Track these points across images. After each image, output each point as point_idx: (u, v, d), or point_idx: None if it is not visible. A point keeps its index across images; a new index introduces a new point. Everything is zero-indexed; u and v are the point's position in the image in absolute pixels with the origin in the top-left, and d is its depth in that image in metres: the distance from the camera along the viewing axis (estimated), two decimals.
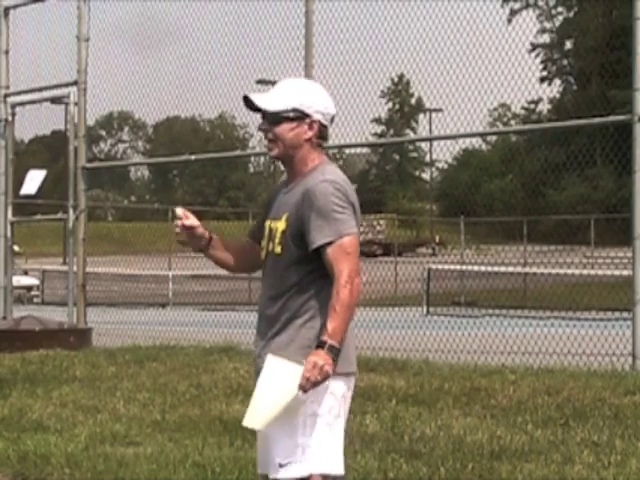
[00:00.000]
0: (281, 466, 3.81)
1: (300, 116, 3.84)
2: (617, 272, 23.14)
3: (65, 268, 18.48)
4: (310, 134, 3.87)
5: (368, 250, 46.51)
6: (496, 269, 26.84)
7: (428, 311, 22.17)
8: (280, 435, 3.82)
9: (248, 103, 3.90)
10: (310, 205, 3.77)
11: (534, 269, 27.85)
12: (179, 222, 4.01)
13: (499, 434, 6.82)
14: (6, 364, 10.77)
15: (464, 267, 28.11)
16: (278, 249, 3.86)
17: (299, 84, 3.94)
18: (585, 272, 25.70)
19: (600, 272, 25.49)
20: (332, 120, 3.95)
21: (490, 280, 24.49)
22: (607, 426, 7.01)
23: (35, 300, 31.41)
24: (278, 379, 3.73)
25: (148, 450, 6.72)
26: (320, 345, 3.68)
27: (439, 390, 8.42)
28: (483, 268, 26.38)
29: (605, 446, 6.47)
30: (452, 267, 28.25)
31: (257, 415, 3.79)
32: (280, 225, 3.86)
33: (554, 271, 26.06)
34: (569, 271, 25.70)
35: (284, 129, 3.85)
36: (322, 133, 3.90)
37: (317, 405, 3.82)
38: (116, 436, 7.18)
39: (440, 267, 27.67)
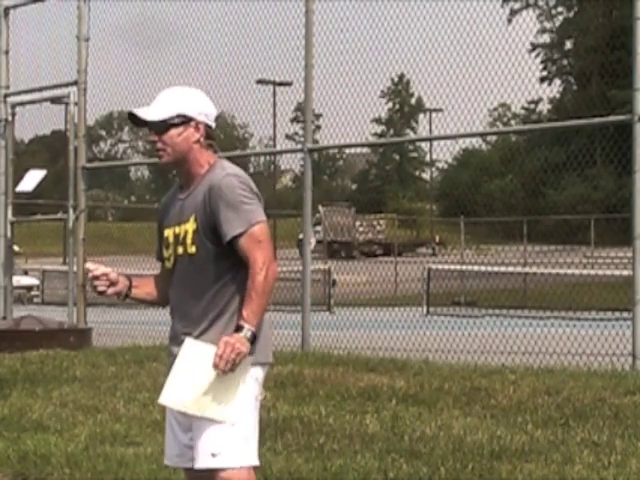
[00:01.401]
0: (214, 455, 3.91)
1: (185, 120, 4.01)
2: (617, 272, 23.13)
3: (65, 268, 18.49)
4: (197, 136, 4.02)
5: (368, 250, 46.57)
6: (496, 269, 26.83)
7: (428, 311, 22.17)
8: (208, 424, 3.91)
9: (134, 119, 4.05)
10: (218, 199, 3.90)
11: (534, 269, 27.84)
12: (90, 275, 4.07)
13: (499, 434, 6.81)
14: (6, 364, 10.76)
15: (464, 267, 28.10)
16: (192, 249, 3.97)
17: (178, 91, 4.10)
18: (585, 272, 25.69)
19: (600, 272, 25.48)
20: (216, 120, 4.10)
21: (490, 280, 24.49)
22: (607, 426, 7.00)
23: (35, 300, 31.41)
24: (194, 360, 3.90)
25: (148, 450, 6.72)
26: (236, 329, 3.84)
27: (439, 390, 8.42)
28: (483, 268, 26.37)
29: (605, 446, 6.47)
30: (452, 267, 28.24)
31: (173, 394, 3.92)
32: (189, 226, 3.98)
33: (554, 271, 26.05)
34: (569, 271, 25.69)
35: (172, 135, 4.00)
36: (209, 134, 4.05)
37: (247, 393, 3.95)
38: (116, 436, 7.18)
39: (440, 267, 27.66)
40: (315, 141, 13.54)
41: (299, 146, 13.06)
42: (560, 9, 53.97)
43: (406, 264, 30.72)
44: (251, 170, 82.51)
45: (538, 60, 52.69)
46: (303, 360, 10.08)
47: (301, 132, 16.67)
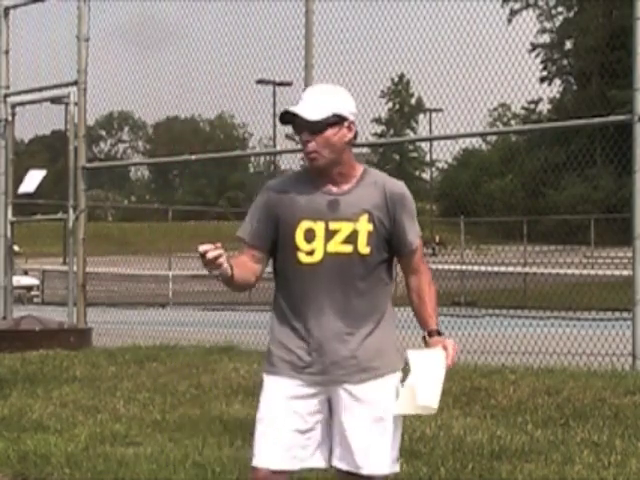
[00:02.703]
0: (394, 462, 3.96)
1: (339, 120, 3.92)
2: (617, 272, 23.14)
3: (65, 268, 18.47)
4: (350, 136, 3.97)
5: None
6: (496, 269, 26.84)
7: None
8: (388, 430, 3.94)
9: (285, 118, 3.92)
10: (402, 208, 3.96)
11: (534, 269, 27.85)
12: (209, 255, 3.76)
13: (499, 434, 6.82)
14: (6, 364, 10.77)
15: (464, 267, 28.10)
16: (366, 250, 3.93)
17: (331, 90, 3.99)
18: (585, 272, 25.70)
19: (600, 272, 25.50)
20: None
21: (490, 280, 24.49)
22: (607, 426, 7.00)
23: (35, 300, 31.41)
24: (428, 366, 3.92)
25: (148, 450, 6.72)
26: (438, 332, 3.98)
27: None
28: (483, 268, 26.39)
29: (605, 446, 6.47)
30: (452, 267, 28.24)
31: (431, 396, 3.91)
32: (360, 226, 3.92)
33: (554, 271, 26.06)
34: (569, 271, 25.70)
35: (328, 136, 3.91)
36: (356, 134, 4.02)
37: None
38: (116, 436, 7.19)
39: (440, 267, 27.65)
40: None
41: (299, 146, 13.05)
42: (560, 9, 53.96)
43: None
44: (251, 170, 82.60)
45: (538, 60, 52.65)
46: None
47: None
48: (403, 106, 71.65)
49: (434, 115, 37.33)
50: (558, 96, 50.91)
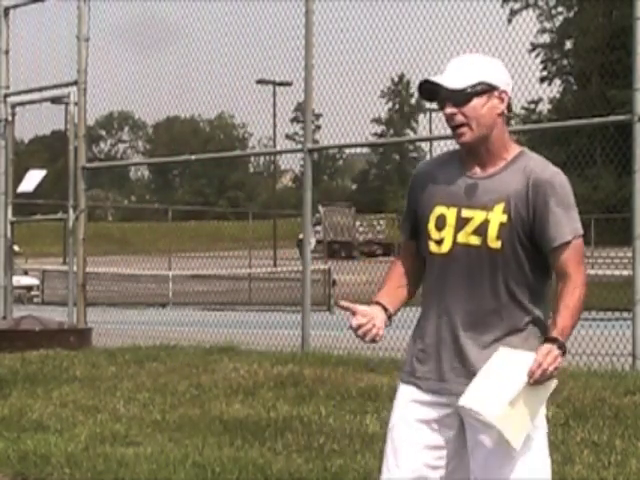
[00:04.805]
0: None
1: (488, 89, 3.45)
2: (617, 272, 23.12)
3: (65, 268, 18.48)
4: (502, 107, 3.48)
5: (368, 250, 46.52)
6: None
7: None
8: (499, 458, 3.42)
9: (423, 90, 3.51)
10: (549, 198, 3.41)
11: None
12: (355, 323, 3.53)
13: None
14: (6, 364, 10.76)
15: None
16: (497, 244, 3.41)
17: (479, 58, 3.52)
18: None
19: (600, 272, 25.46)
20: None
21: None
22: (607, 426, 7.00)
23: (35, 300, 31.40)
24: (506, 367, 3.35)
25: (148, 450, 6.72)
26: (550, 340, 3.35)
27: None
28: None
29: (605, 446, 6.46)
30: None
31: (479, 398, 3.34)
32: (494, 216, 3.41)
33: None
34: None
35: (475, 106, 3.44)
36: (510, 107, 3.54)
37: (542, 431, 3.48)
38: (116, 436, 7.18)
39: None
40: (315, 141, 13.53)
41: (299, 146, 13.06)
42: (560, 9, 53.94)
43: None
44: (251, 170, 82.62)
45: (538, 60, 52.63)
46: (303, 360, 10.07)
47: (301, 132, 16.65)
48: (403, 106, 71.66)
49: (434, 115, 37.37)
50: (558, 96, 50.85)
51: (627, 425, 7.01)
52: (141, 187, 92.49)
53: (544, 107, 48.92)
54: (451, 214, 3.47)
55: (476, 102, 3.43)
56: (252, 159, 76.04)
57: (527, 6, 47.90)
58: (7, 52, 14.62)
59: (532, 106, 47.34)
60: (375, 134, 64.50)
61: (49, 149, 66.77)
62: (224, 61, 14.12)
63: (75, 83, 13.76)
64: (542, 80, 52.03)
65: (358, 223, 49.54)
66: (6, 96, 14.56)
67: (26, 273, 33.78)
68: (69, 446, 6.86)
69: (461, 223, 3.46)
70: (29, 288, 32.09)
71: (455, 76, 3.43)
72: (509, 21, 17.64)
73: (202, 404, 8.30)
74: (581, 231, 3.50)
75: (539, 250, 3.46)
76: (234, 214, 54.59)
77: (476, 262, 3.44)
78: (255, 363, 9.81)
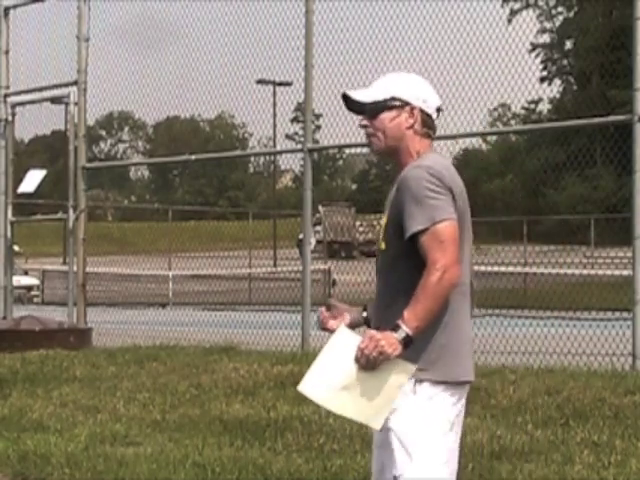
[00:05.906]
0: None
1: (399, 105, 3.68)
2: (617, 272, 23.14)
3: (65, 268, 18.48)
4: (411, 122, 3.68)
5: (368, 250, 46.49)
6: (496, 269, 26.82)
7: None
8: (393, 443, 3.63)
9: (347, 103, 3.78)
10: (404, 192, 3.58)
11: (534, 269, 27.84)
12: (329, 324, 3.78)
13: (499, 434, 6.81)
14: (6, 364, 10.76)
15: None
16: (382, 245, 3.69)
17: (395, 76, 3.76)
18: (585, 272, 25.70)
19: (600, 272, 25.50)
20: (438, 112, 3.76)
21: (490, 280, 24.47)
22: (607, 426, 7.00)
23: (35, 300, 31.41)
24: (343, 350, 3.52)
25: (148, 450, 6.73)
26: (392, 328, 3.46)
27: None
28: (483, 268, 26.37)
29: (605, 446, 6.47)
30: None
31: (314, 383, 3.52)
32: (383, 220, 3.72)
33: (554, 271, 26.05)
34: (569, 271, 25.70)
35: (384, 119, 3.69)
36: (426, 122, 3.71)
37: (420, 414, 3.67)
38: (116, 436, 7.19)
39: None
40: (315, 141, 13.54)
41: (299, 146, 13.06)
42: (560, 9, 53.95)
43: None
44: (251, 170, 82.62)
45: (538, 60, 52.64)
46: (303, 360, 10.07)
47: (301, 132, 16.67)
48: None
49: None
50: (558, 96, 50.89)
51: (627, 425, 7.02)
52: (141, 187, 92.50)
53: (544, 107, 48.97)
54: (382, 222, 3.77)
55: (385, 115, 3.69)
56: (252, 159, 76.06)
57: (527, 6, 47.87)
58: (7, 52, 14.63)
59: (532, 106, 47.38)
60: None
61: (49, 149, 66.79)
62: (224, 61, 14.13)
63: (75, 83, 13.76)
64: (542, 80, 52.07)
65: (358, 223, 49.54)
66: (6, 96, 14.56)
67: (26, 273, 33.78)
68: (69, 446, 6.86)
69: (378, 231, 3.80)
70: (29, 288, 32.10)
71: (371, 91, 3.72)
72: (509, 21, 17.64)
73: (202, 404, 8.30)
74: (440, 217, 3.52)
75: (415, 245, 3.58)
76: (234, 214, 54.57)
77: (380, 262, 3.74)
78: (255, 363, 9.81)
